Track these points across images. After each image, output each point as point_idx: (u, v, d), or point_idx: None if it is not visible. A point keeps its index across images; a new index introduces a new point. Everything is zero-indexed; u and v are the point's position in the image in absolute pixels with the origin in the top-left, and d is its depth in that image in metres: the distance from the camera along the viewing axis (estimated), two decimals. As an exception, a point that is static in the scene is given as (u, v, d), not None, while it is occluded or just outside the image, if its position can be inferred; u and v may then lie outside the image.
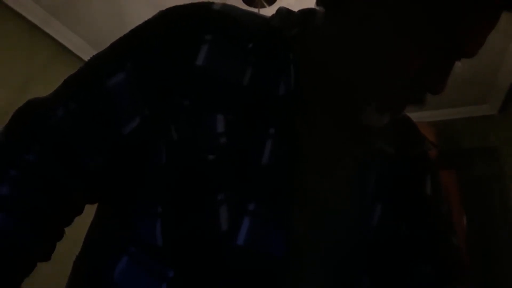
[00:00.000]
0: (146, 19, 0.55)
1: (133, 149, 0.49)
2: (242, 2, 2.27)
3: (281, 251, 0.45)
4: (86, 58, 2.58)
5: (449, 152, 2.85)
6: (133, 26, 0.55)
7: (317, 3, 0.52)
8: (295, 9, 0.58)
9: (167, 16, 0.53)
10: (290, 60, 0.51)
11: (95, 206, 0.56)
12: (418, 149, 0.61)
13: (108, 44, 0.55)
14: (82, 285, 0.50)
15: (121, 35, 0.55)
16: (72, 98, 0.50)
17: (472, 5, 0.43)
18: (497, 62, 2.57)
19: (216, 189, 0.45)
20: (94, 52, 0.55)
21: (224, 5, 0.53)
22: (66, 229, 0.52)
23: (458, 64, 0.48)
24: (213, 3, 0.54)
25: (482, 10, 0.44)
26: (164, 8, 0.55)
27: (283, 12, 0.56)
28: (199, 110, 0.48)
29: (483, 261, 2.63)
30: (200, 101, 0.48)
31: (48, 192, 0.47)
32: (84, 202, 0.52)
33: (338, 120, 0.53)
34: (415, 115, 0.59)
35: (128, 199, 0.50)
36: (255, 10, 2.12)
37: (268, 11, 2.21)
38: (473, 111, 3.04)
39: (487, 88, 2.83)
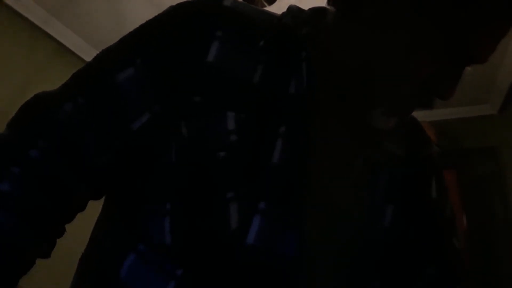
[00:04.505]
0: (146, 19, 0.55)
1: (142, 146, 0.49)
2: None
3: (293, 251, 0.45)
4: (86, 58, 2.58)
5: (449, 152, 2.84)
6: (133, 25, 0.55)
7: (328, 3, 0.52)
8: (296, 8, 0.58)
9: (177, 11, 0.53)
10: (302, 59, 0.51)
11: (101, 204, 0.56)
12: (424, 150, 0.62)
13: (108, 44, 0.55)
14: (88, 283, 0.49)
15: (122, 34, 0.54)
16: (81, 93, 0.50)
17: (486, 15, 0.43)
18: (497, 62, 2.56)
19: (226, 187, 0.45)
20: (94, 52, 0.55)
21: (235, 2, 0.53)
22: (71, 226, 0.52)
23: (467, 69, 0.48)
24: None
25: (496, 20, 0.44)
26: (164, 7, 0.55)
27: (294, 10, 0.56)
28: (210, 107, 0.47)
29: (483, 261, 2.63)
30: (210, 98, 0.48)
31: (50, 190, 0.47)
32: (87, 199, 0.52)
33: (348, 121, 0.53)
34: (415, 115, 0.59)
35: (136, 196, 0.50)
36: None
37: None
38: (473, 111, 3.03)
39: (487, 88, 2.83)
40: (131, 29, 0.55)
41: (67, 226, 0.52)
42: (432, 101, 0.49)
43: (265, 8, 2.29)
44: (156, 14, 0.55)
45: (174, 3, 0.55)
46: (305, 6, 0.59)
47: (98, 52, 0.55)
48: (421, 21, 0.44)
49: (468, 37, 0.44)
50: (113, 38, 0.55)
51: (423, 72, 0.46)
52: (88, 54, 2.76)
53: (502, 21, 0.44)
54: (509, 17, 0.44)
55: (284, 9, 0.57)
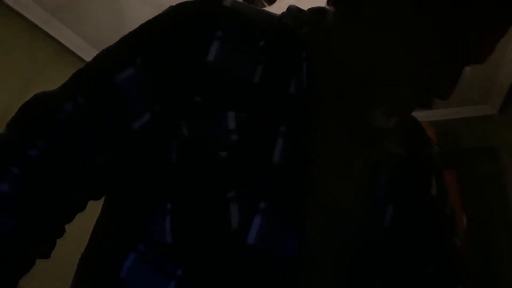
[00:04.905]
0: (146, 19, 0.55)
1: (142, 145, 0.49)
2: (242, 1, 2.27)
3: (293, 251, 0.45)
4: (86, 58, 2.57)
5: (449, 152, 2.84)
6: (133, 25, 0.55)
7: (328, 3, 0.52)
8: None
9: (177, 11, 0.53)
10: (302, 59, 0.51)
11: (100, 204, 0.56)
12: (424, 150, 0.62)
13: (108, 44, 0.55)
14: (88, 283, 0.50)
15: (121, 34, 0.54)
16: (81, 93, 0.50)
17: (485, 15, 0.43)
18: (497, 62, 2.56)
19: (227, 186, 0.45)
20: (94, 52, 0.55)
21: (235, 2, 0.53)
22: (71, 226, 0.52)
23: (467, 69, 0.48)
24: None
25: (495, 20, 0.44)
26: (164, 7, 0.55)
27: (294, 10, 0.56)
28: (210, 107, 0.47)
29: (483, 261, 2.63)
30: (211, 98, 0.48)
31: (50, 190, 0.47)
32: (87, 199, 0.52)
33: (348, 120, 0.53)
34: (415, 115, 0.59)
35: (136, 196, 0.50)
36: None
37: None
38: (473, 111, 3.04)
39: (487, 88, 2.83)
40: (131, 29, 0.55)
41: (67, 226, 0.52)
42: (432, 101, 0.49)
43: (265, 8, 2.29)
44: (156, 14, 0.55)
45: (173, 3, 0.55)
46: (305, 6, 0.59)
47: (98, 52, 0.55)
48: (421, 21, 0.44)
49: (468, 37, 0.44)
50: (113, 38, 0.55)
51: (423, 72, 0.46)
52: (88, 54, 2.76)
53: (502, 21, 0.44)
54: (508, 17, 0.44)
55: (284, 9, 0.57)
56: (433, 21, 0.44)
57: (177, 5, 0.54)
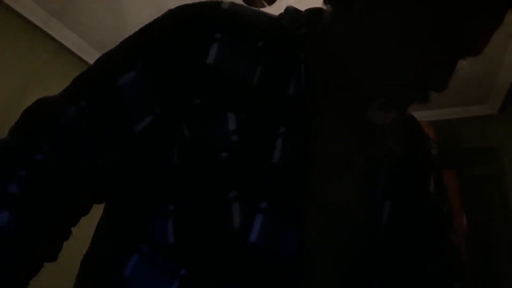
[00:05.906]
0: (146, 19, 0.55)
1: (144, 148, 0.50)
2: (242, 2, 2.27)
3: (294, 250, 0.45)
4: (86, 58, 2.55)
5: (449, 152, 2.84)
6: (133, 26, 0.55)
7: (325, 2, 0.52)
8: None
9: (176, 15, 0.53)
10: (300, 60, 0.52)
11: (102, 205, 0.56)
12: (422, 148, 0.62)
13: (108, 44, 0.55)
14: (91, 283, 0.50)
15: (122, 34, 0.55)
16: (83, 97, 0.50)
17: (479, 6, 0.43)
18: (497, 62, 2.57)
19: (228, 187, 0.46)
20: (94, 52, 0.55)
21: (233, 4, 0.54)
22: (74, 227, 0.52)
23: (462, 62, 0.48)
24: (222, 2, 0.54)
25: (489, 11, 0.44)
26: (164, 9, 0.55)
27: (292, 12, 0.56)
28: (210, 109, 0.48)
29: (483, 261, 2.63)
30: (211, 100, 0.48)
31: (55, 192, 0.47)
32: (92, 202, 0.52)
33: (347, 120, 0.53)
34: (415, 115, 0.59)
35: (139, 197, 0.50)
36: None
37: (268, 11, 2.20)
38: (473, 111, 3.04)
39: (487, 88, 2.83)
40: (131, 30, 0.55)
41: (69, 227, 0.52)
42: (428, 94, 0.49)
43: (265, 8, 2.29)
44: (156, 14, 0.55)
45: (174, 3, 0.55)
46: (305, 7, 0.59)
47: (98, 53, 0.55)
48: (417, 13, 0.44)
49: (464, 29, 0.44)
50: (113, 38, 0.56)
51: (420, 65, 0.46)
52: (88, 54, 2.76)
53: (498, 12, 0.45)
54: (504, 8, 0.45)
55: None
56: (429, 14, 0.44)
57: (176, 8, 0.54)
